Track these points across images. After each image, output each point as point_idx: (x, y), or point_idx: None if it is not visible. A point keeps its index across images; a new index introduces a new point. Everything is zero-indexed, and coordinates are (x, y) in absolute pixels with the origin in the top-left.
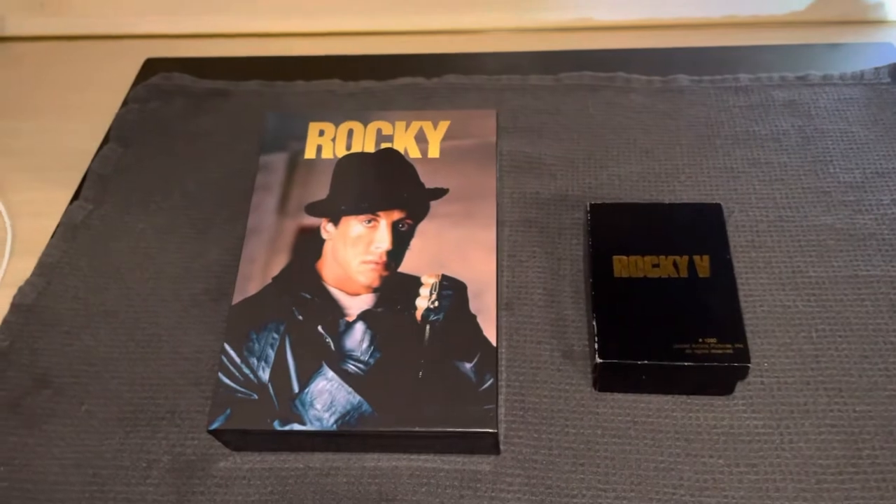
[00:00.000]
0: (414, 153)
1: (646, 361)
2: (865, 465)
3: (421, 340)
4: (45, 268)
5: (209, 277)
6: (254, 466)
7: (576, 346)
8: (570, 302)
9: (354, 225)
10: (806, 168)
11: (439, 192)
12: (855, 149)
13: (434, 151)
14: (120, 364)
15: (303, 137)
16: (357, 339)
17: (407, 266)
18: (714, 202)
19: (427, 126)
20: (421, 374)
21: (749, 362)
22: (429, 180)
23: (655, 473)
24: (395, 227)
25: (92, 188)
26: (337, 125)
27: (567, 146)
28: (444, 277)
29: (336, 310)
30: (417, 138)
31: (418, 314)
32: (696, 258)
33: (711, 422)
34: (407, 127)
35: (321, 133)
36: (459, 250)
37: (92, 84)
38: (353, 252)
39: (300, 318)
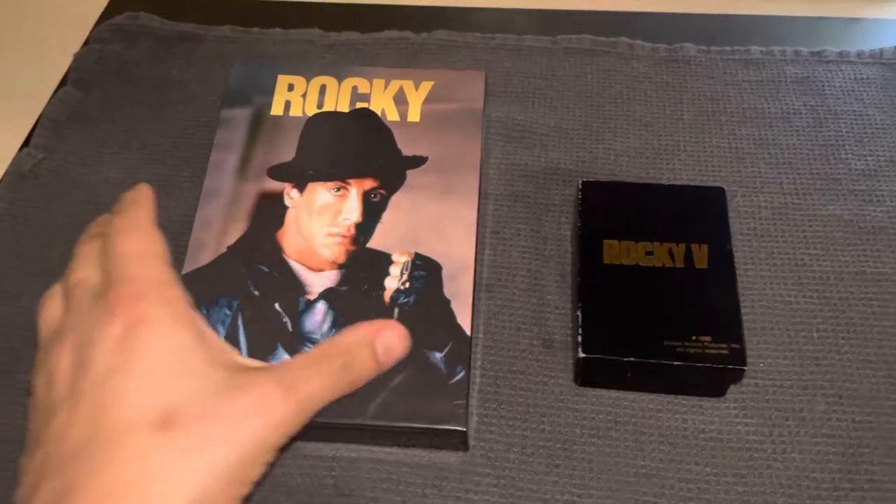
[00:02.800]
0: (392, 115)
1: (632, 359)
2: (863, 482)
3: None
4: None
5: (168, 239)
6: None
7: (558, 336)
8: (554, 286)
9: (322, 193)
10: (816, 152)
11: (417, 161)
12: (870, 133)
13: (414, 115)
14: None
15: (270, 92)
16: (318, 320)
17: (377, 241)
18: (716, 185)
19: (408, 86)
20: None
21: (745, 365)
22: (406, 147)
23: (636, 479)
24: (366, 197)
25: (43, 135)
26: (309, 80)
27: (561, 115)
28: (418, 256)
29: (297, 286)
30: (397, 99)
31: (387, 295)
32: (694, 247)
33: (700, 425)
34: (386, 86)
35: (290, 88)
36: (436, 227)
37: (50, 20)
38: (319, 223)
39: (256, 293)
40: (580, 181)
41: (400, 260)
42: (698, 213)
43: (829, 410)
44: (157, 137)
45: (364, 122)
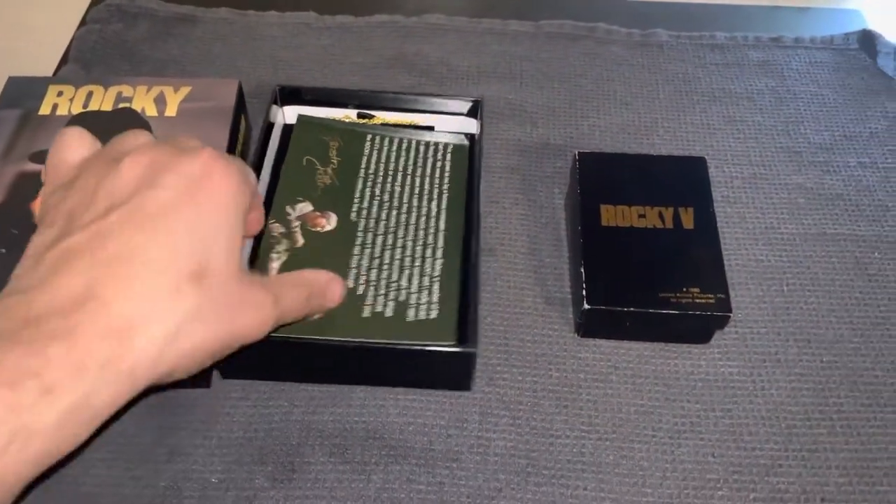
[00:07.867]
0: (151, 112)
1: (632, 309)
2: (832, 412)
3: None
4: None
5: None
6: None
7: (557, 293)
8: (551, 249)
9: None
10: (779, 128)
11: None
12: (825, 111)
13: (172, 111)
14: None
15: (40, 97)
16: None
17: None
18: (698, 156)
19: (168, 90)
20: None
21: (730, 312)
22: (161, 135)
23: (636, 417)
24: None
25: None
26: (77, 87)
27: (548, 95)
28: None
29: None
30: (157, 100)
31: None
32: (681, 209)
33: (689, 369)
34: (148, 91)
35: (60, 94)
36: None
37: (47, 4)
38: None
39: (3, 251)
40: (577, 152)
41: None
42: (683, 180)
43: (801, 353)
44: None
45: (124, 117)
